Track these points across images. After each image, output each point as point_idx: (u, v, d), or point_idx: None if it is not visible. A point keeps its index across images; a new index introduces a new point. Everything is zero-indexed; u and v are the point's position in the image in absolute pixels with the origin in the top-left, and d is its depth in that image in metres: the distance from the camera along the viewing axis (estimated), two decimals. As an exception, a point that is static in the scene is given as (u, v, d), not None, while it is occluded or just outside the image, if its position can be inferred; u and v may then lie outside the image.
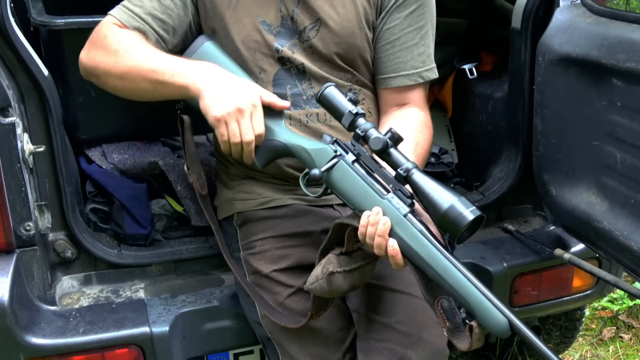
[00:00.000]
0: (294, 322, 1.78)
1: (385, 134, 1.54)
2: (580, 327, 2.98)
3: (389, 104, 1.93)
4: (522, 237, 2.36)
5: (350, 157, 1.60)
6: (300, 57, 1.84)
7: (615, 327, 3.47)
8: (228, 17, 1.81)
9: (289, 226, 1.89)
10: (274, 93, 1.81)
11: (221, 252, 1.99)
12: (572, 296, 2.38)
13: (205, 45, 1.81)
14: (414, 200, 1.53)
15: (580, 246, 2.28)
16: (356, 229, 1.56)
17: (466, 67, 2.70)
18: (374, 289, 1.82)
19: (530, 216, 2.51)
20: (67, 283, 2.06)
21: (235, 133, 1.62)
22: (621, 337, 3.41)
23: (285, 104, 1.71)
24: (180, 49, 1.85)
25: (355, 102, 1.60)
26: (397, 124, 1.83)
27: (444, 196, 1.45)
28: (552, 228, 2.41)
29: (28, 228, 1.84)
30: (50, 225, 1.93)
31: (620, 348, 3.30)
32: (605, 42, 1.74)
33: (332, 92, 1.62)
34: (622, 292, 3.54)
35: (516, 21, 2.26)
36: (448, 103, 2.81)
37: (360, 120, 1.57)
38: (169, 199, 2.29)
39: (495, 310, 1.42)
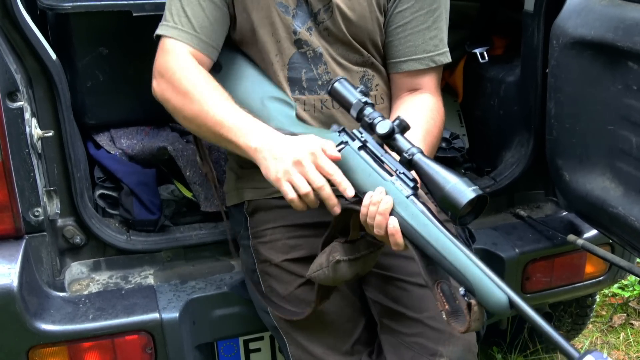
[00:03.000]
0: (299, 314, 1.78)
1: (394, 121, 1.55)
2: (591, 314, 2.96)
3: (401, 89, 1.91)
4: (534, 223, 2.34)
5: (357, 143, 1.61)
6: (317, 40, 1.82)
7: (625, 314, 3.46)
8: (245, 0, 1.79)
9: (302, 216, 1.86)
10: (289, 77, 1.82)
11: (231, 238, 2.00)
12: (585, 282, 2.37)
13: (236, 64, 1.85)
14: (418, 185, 1.53)
15: (592, 232, 2.26)
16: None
17: (477, 51, 2.67)
18: (402, 284, 1.81)
19: (543, 202, 2.50)
20: (76, 269, 2.06)
21: (300, 185, 1.55)
22: (631, 323, 3.39)
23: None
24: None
25: (365, 94, 1.61)
26: (408, 111, 1.82)
27: (446, 176, 1.44)
28: (564, 214, 2.40)
29: (37, 214, 1.83)
30: (59, 211, 1.93)
31: (631, 335, 3.28)
32: (621, 25, 1.71)
33: (344, 84, 1.63)
34: (633, 279, 3.53)
35: (529, 4, 2.23)
36: (459, 87, 2.78)
37: (368, 110, 1.58)
38: (177, 185, 2.28)
39: (495, 287, 1.41)
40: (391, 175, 1.55)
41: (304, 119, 1.83)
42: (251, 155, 1.63)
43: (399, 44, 1.87)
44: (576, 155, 1.94)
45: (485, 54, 2.67)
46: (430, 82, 1.90)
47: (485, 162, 2.62)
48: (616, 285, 3.51)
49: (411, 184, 1.52)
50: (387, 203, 1.50)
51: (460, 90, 2.79)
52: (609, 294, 3.58)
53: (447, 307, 1.48)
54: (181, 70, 1.73)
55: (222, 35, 1.82)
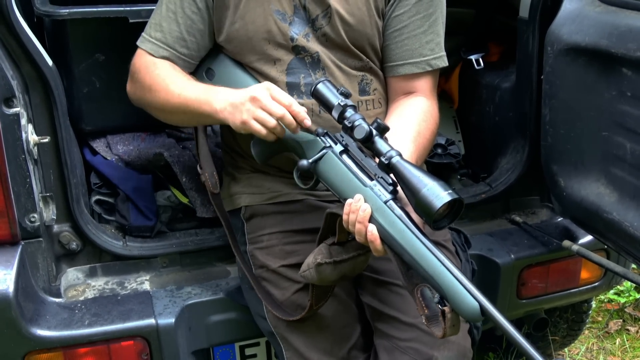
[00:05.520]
0: (296, 315, 1.78)
1: (371, 124, 1.56)
2: (587, 320, 2.96)
3: (397, 92, 1.91)
4: (530, 229, 2.35)
5: (339, 148, 1.63)
6: (314, 46, 1.83)
7: (621, 320, 3.46)
8: (241, 9, 1.80)
9: (299, 222, 1.88)
10: (287, 82, 1.83)
11: (226, 244, 1.99)
12: (580, 288, 2.37)
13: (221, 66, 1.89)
14: (397, 188, 1.53)
15: (587, 238, 2.27)
16: None
17: (473, 57, 2.69)
18: (396, 288, 1.82)
19: (538, 208, 2.50)
20: (72, 275, 2.06)
21: (265, 119, 1.62)
22: (627, 329, 3.39)
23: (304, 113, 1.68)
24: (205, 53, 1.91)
25: (346, 95, 1.62)
26: (401, 113, 1.84)
27: (422, 179, 1.44)
28: (559, 219, 2.40)
29: (33, 220, 1.83)
30: (55, 217, 1.93)
31: (627, 341, 3.29)
32: (615, 31, 1.72)
33: (325, 86, 1.64)
34: (629, 285, 3.53)
35: (524, 10, 2.24)
36: (454, 94, 2.79)
37: (349, 112, 1.59)
38: (174, 191, 2.28)
39: (467, 294, 1.41)
40: (372, 179, 1.56)
41: None
42: (220, 118, 1.70)
43: (395, 47, 1.88)
44: (571, 161, 1.95)
45: (480, 60, 2.69)
46: (426, 85, 1.90)
47: (480, 168, 2.63)
48: (612, 291, 3.52)
49: (390, 188, 1.53)
50: (365, 211, 1.51)
51: (456, 97, 2.80)
52: (605, 300, 3.58)
53: (426, 311, 1.49)
54: (145, 67, 1.83)
55: (199, 48, 1.87)
